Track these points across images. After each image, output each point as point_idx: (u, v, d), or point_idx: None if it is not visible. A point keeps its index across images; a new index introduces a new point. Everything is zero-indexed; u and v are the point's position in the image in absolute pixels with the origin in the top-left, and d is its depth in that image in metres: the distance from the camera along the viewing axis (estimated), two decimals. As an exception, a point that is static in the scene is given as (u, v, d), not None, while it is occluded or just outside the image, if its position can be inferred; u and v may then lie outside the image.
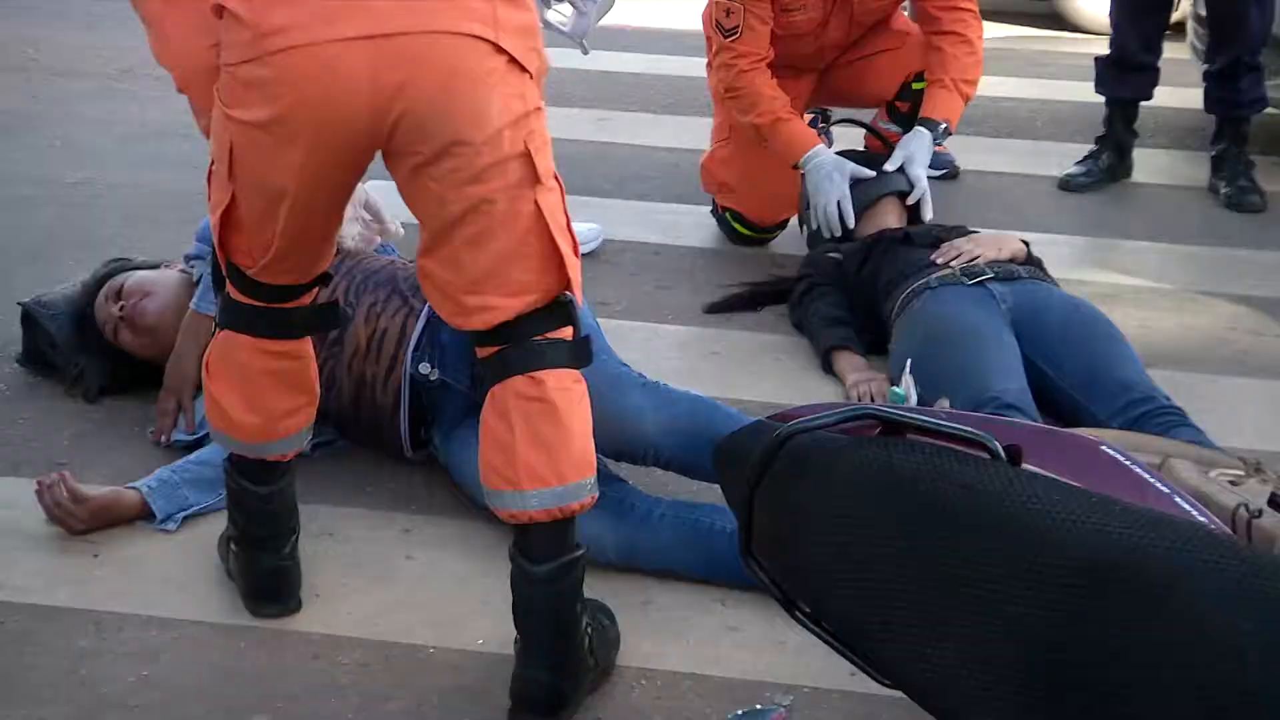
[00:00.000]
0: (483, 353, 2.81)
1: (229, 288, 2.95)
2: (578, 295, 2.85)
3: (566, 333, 2.81)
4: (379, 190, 3.49)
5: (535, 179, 2.74)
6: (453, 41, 2.66)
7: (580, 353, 2.84)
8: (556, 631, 2.80)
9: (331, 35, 2.58)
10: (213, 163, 2.84)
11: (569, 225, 2.83)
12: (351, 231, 3.24)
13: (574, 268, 2.84)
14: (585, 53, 4.65)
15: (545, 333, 2.78)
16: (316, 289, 3.02)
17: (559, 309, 2.81)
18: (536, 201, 2.74)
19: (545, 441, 2.73)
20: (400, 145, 2.69)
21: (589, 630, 2.88)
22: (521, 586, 2.80)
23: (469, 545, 2.98)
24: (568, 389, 2.78)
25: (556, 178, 2.83)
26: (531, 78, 2.76)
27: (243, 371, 2.99)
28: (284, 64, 2.60)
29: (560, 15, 4.48)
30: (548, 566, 2.77)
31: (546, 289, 2.79)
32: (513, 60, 2.70)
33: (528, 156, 2.72)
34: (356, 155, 2.72)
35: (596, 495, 2.83)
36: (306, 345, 3.05)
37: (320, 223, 2.87)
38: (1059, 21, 9.06)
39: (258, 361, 2.98)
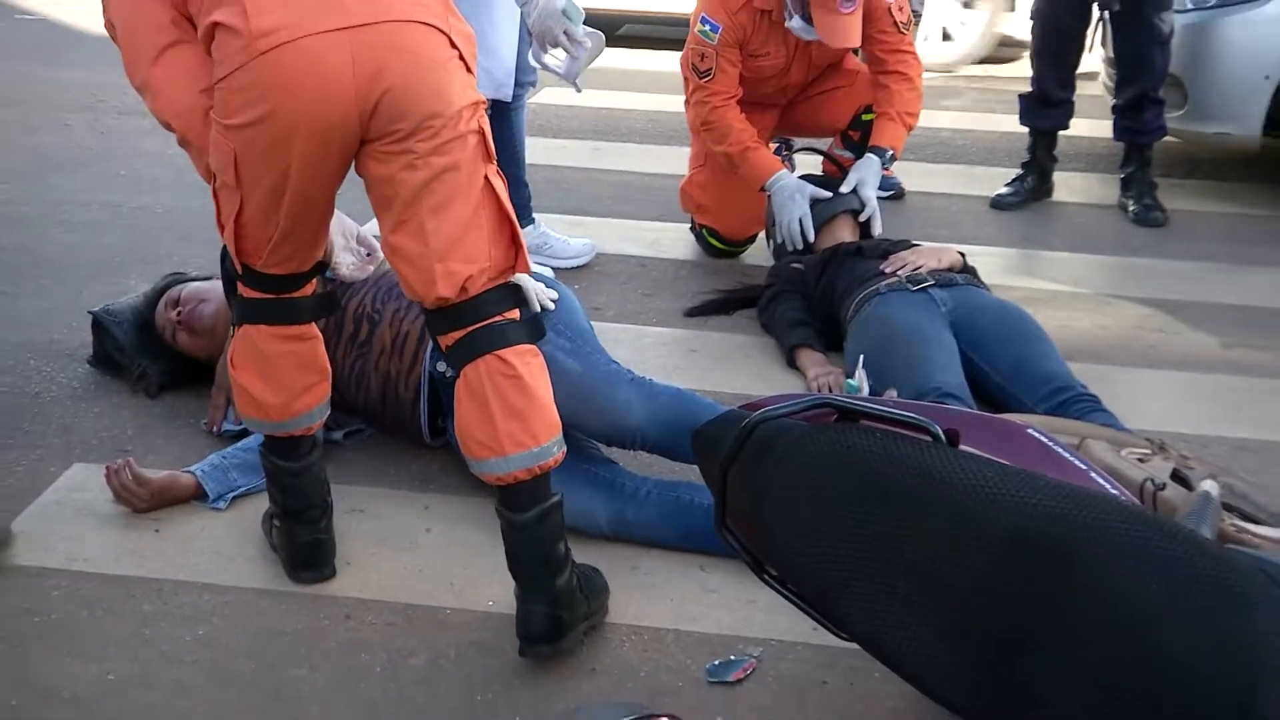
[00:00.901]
0: (449, 340, 2.82)
1: (241, 289, 2.99)
2: (527, 265, 2.88)
3: (517, 313, 2.82)
4: (371, 228, 3.48)
5: (489, 157, 2.79)
6: (415, 28, 2.71)
7: (535, 329, 2.87)
8: (546, 568, 2.84)
9: (313, 29, 2.62)
10: (216, 184, 2.87)
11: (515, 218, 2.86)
12: (346, 260, 3.25)
13: (524, 250, 2.87)
14: (578, 91, 4.63)
15: (503, 312, 2.79)
16: (315, 280, 3.05)
17: (512, 290, 2.83)
18: (488, 177, 2.78)
19: (519, 412, 2.77)
20: (381, 125, 2.71)
21: (575, 574, 2.90)
22: (511, 535, 2.84)
23: (481, 520, 2.97)
24: (529, 363, 2.82)
25: (500, 175, 2.86)
26: (473, 81, 2.81)
27: (261, 357, 3.02)
28: (275, 60, 2.62)
29: (555, 59, 4.46)
30: (531, 513, 2.81)
31: (501, 262, 2.81)
32: (462, 58, 2.77)
33: (482, 135, 2.78)
34: (346, 139, 2.73)
35: (565, 450, 2.86)
36: (314, 329, 3.08)
37: (316, 212, 2.91)
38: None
39: (273, 346, 3.01)
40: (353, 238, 3.34)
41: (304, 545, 3.22)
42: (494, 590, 2.96)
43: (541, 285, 3.18)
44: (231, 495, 3.50)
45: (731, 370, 4.33)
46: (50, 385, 4.11)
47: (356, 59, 2.65)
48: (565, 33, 4.25)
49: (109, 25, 2.98)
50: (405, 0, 2.73)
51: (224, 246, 3.02)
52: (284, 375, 3.05)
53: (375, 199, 2.84)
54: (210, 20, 2.69)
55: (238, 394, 3.11)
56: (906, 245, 4.50)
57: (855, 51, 5.19)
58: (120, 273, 4.82)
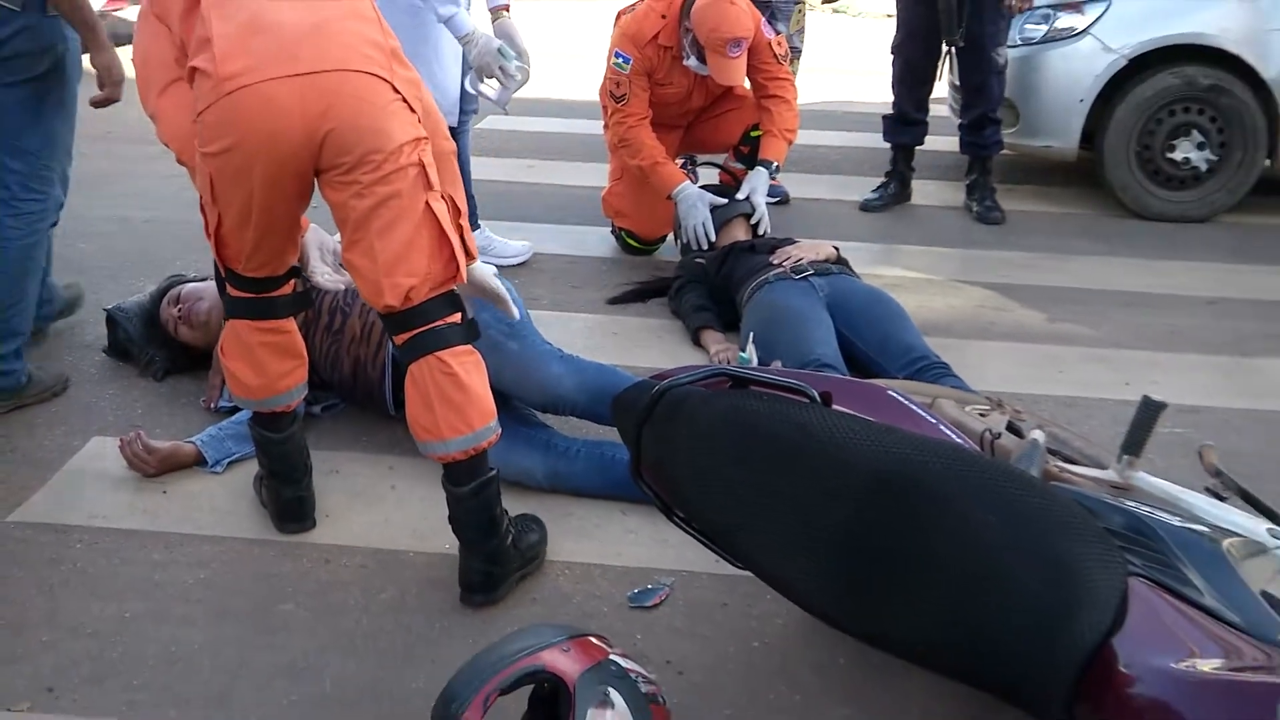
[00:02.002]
0: (399, 340, 2.83)
1: (228, 289, 3.00)
2: (464, 278, 2.88)
3: (458, 317, 2.83)
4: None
5: (428, 185, 2.79)
6: (360, 77, 2.73)
7: (470, 331, 2.88)
8: (482, 532, 2.88)
9: (268, 75, 2.65)
10: (201, 200, 2.89)
11: (461, 233, 2.86)
12: (320, 270, 3.24)
13: (464, 263, 2.86)
14: (506, 113, 4.67)
15: (443, 317, 2.80)
16: (292, 281, 3.05)
17: (452, 298, 2.84)
18: (428, 202, 2.79)
19: (456, 404, 2.79)
20: (329, 158, 2.73)
21: (510, 530, 2.94)
22: (453, 504, 2.88)
23: (438, 478, 2.94)
24: (465, 361, 2.83)
25: (450, 199, 2.86)
26: (419, 119, 2.80)
27: (246, 347, 3.03)
28: (238, 100, 2.65)
29: (489, 89, 4.50)
30: (469, 486, 2.84)
31: (441, 274, 2.81)
32: (405, 100, 2.78)
33: (422, 168, 2.78)
34: (299, 166, 2.75)
35: (499, 433, 2.88)
36: (291, 323, 3.10)
37: (281, 227, 2.92)
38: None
39: (256, 338, 3.03)
40: (329, 252, 3.33)
41: (288, 501, 3.22)
42: (449, 537, 2.93)
43: (508, 296, 3.19)
44: (227, 460, 3.49)
45: (646, 348, 4.32)
46: (72, 372, 4.06)
47: (305, 101, 2.67)
48: (500, 67, 4.29)
49: (133, 61, 3.04)
50: (353, 52, 2.75)
51: (214, 255, 3.03)
52: (266, 362, 3.06)
53: (335, 220, 2.85)
54: (191, 65, 2.74)
55: (228, 377, 3.13)
56: (790, 241, 4.51)
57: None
58: (130, 276, 4.77)
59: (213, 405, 3.79)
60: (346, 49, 2.75)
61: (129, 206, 5.52)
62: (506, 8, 4.69)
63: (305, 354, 3.16)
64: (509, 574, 2.94)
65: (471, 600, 2.91)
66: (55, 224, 3.98)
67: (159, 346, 4.00)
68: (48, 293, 4.27)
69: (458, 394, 2.80)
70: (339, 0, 2.84)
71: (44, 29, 3.63)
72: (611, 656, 2.26)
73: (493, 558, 2.90)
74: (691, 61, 4.87)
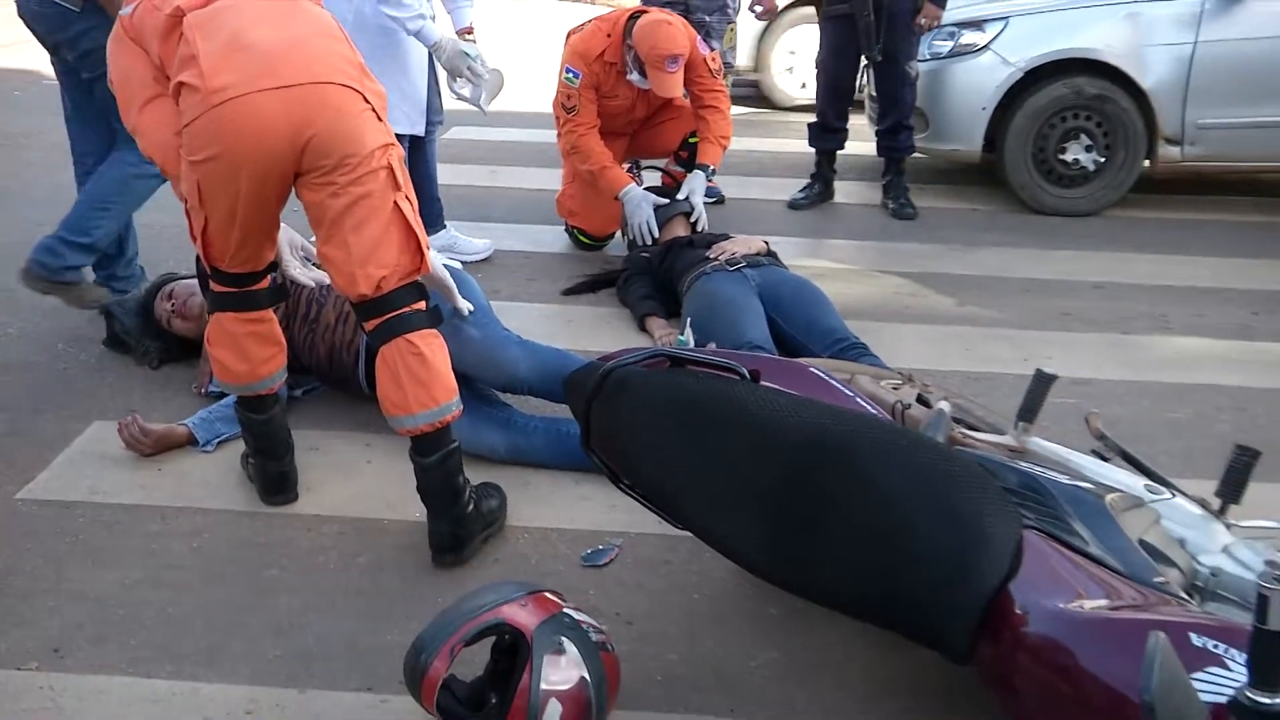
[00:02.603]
0: (370, 325, 2.84)
1: (212, 285, 3.00)
2: (429, 268, 2.92)
3: (423, 304, 2.84)
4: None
5: (396, 186, 2.82)
6: (336, 89, 2.74)
7: (435, 317, 2.91)
8: (448, 498, 2.89)
9: (255, 88, 2.66)
10: (187, 204, 2.88)
11: (421, 231, 2.89)
12: (294, 264, 3.24)
13: (427, 258, 2.90)
14: (485, 114, 4.67)
15: (410, 304, 2.82)
16: (269, 276, 3.04)
17: (417, 287, 2.85)
18: (396, 201, 2.80)
19: (422, 380, 2.80)
20: (310, 163, 2.74)
21: (472, 497, 2.94)
22: (421, 474, 2.89)
23: (408, 453, 2.94)
24: (430, 343, 2.85)
25: (410, 199, 2.87)
26: (385, 128, 2.85)
27: (231, 336, 3.02)
28: (226, 112, 2.65)
29: (462, 90, 4.52)
30: (434, 457, 2.85)
31: (408, 265, 2.84)
32: (374, 111, 2.80)
33: (391, 170, 2.80)
34: (282, 170, 2.76)
35: (461, 409, 2.89)
36: (271, 314, 3.09)
37: (263, 226, 2.92)
38: (766, 100, 9.09)
39: (239, 328, 3.02)
40: (298, 249, 3.32)
41: (273, 476, 3.20)
42: (420, 506, 2.93)
43: (454, 288, 3.22)
44: (217, 440, 3.46)
45: (597, 334, 4.31)
46: (74, 362, 4.03)
47: (289, 111, 2.68)
48: (469, 67, 4.31)
49: (111, 82, 3.02)
50: (329, 67, 2.76)
51: (197, 253, 3.02)
52: (248, 349, 3.05)
53: (310, 218, 2.86)
54: (177, 81, 2.73)
55: (214, 365, 3.11)
56: (726, 237, 4.51)
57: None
58: None
59: (202, 390, 3.75)
60: (323, 64, 2.76)
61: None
62: (470, 30, 4.71)
63: (284, 342, 3.14)
64: (473, 536, 2.94)
65: (441, 561, 2.91)
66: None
67: (153, 338, 3.96)
68: (126, 268, 4.42)
69: (424, 372, 2.81)
70: (308, 19, 2.85)
71: (108, 25, 3.61)
72: (565, 610, 2.27)
73: (458, 521, 2.90)
74: (634, 76, 4.87)
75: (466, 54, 4.44)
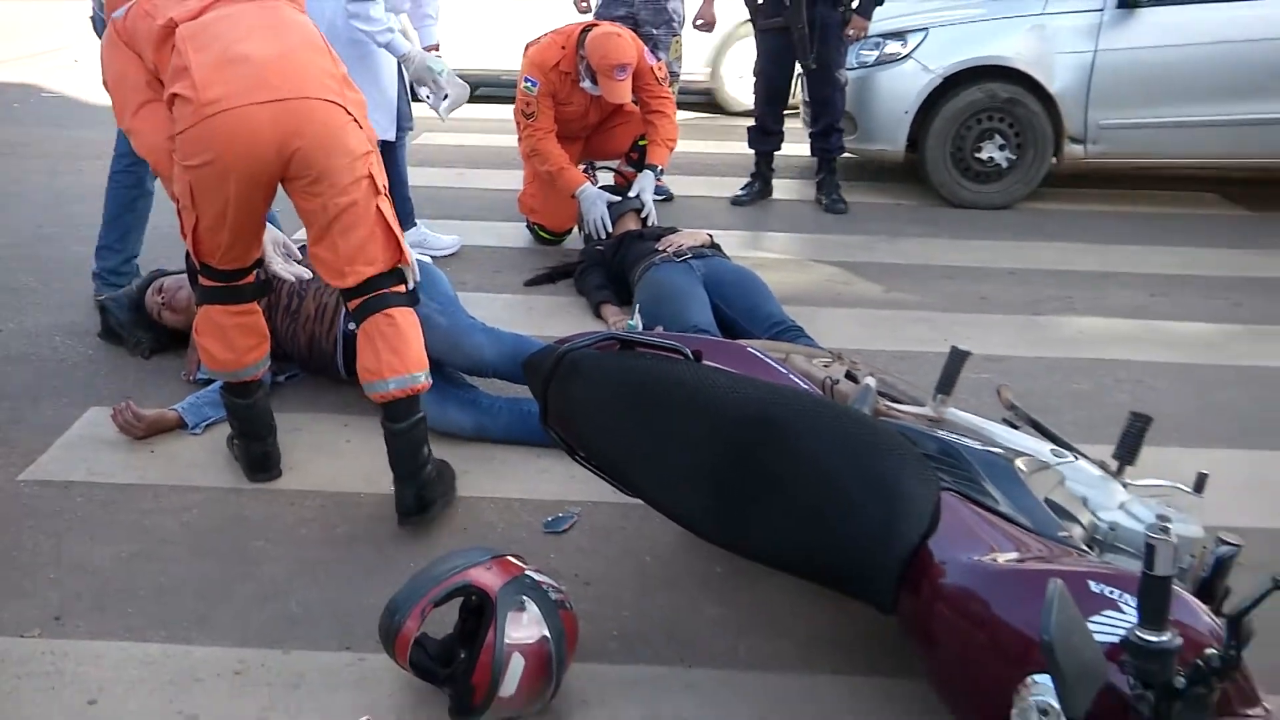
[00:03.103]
0: (353, 304, 2.86)
1: (201, 280, 2.97)
2: (409, 266, 2.94)
3: (402, 288, 2.88)
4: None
5: (377, 191, 2.82)
6: (321, 104, 2.74)
7: (412, 298, 2.93)
8: (414, 463, 2.91)
9: (246, 101, 2.65)
10: (179, 204, 2.86)
11: (398, 227, 2.93)
12: (277, 259, 3.22)
13: (406, 250, 2.92)
14: (443, 120, 4.65)
15: (390, 287, 2.85)
16: (255, 271, 3.03)
17: (397, 273, 2.88)
18: (378, 205, 2.83)
19: (396, 349, 2.84)
20: (296, 171, 2.75)
21: (434, 467, 2.97)
22: (390, 439, 2.90)
23: (382, 432, 2.94)
24: (406, 317, 2.89)
25: (388, 199, 2.90)
26: (365, 134, 2.86)
27: (217, 327, 3.00)
28: (218, 123, 2.64)
29: (425, 98, 4.53)
30: (404, 424, 2.88)
31: (389, 259, 2.87)
32: (355, 120, 2.81)
33: (372, 178, 2.82)
34: (269, 179, 2.78)
35: (430, 382, 2.92)
36: (255, 307, 3.07)
37: (251, 227, 2.93)
38: (721, 107, 9.12)
39: (226, 320, 3.00)
40: (280, 245, 3.30)
41: (257, 456, 3.18)
42: (390, 480, 2.93)
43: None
44: (204, 424, 3.42)
45: (556, 321, 4.29)
46: (71, 353, 3.97)
47: (277, 122, 2.67)
48: (433, 80, 4.37)
49: (105, 84, 2.99)
50: (316, 82, 2.75)
51: (187, 249, 2.99)
52: (233, 339, 3.03)
53: (303, 220, 2.87)
54: (170, 92, 2.71)
55: (202, 353, 3.08)
56: (673, 230, 4.51)
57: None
58: None
59: (191, 378, 3.71)
60: (310, 79, 2.75)
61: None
62: (436, 47, 4.70)
63: (268, 333, 3.12)
64: (436, 498, 2.94)
65: (408, 520, 2.90)
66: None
67: (145, 329, 3.91)
68: (125, 264, 4.38)
69: (398, 341, 2.84)
70: (294, 32, 2.83)
71: None
72: (526, 572, 2.27)
73: (423, 484, 2.90)
74: (587, 84, 4.86)
75: (432, 68, 4.43)
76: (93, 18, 4.08)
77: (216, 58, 2.67)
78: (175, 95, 2.69)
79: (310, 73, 2.76)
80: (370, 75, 4.44)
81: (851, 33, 5.81)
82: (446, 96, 4.47)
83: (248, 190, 2.76)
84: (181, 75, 2.67)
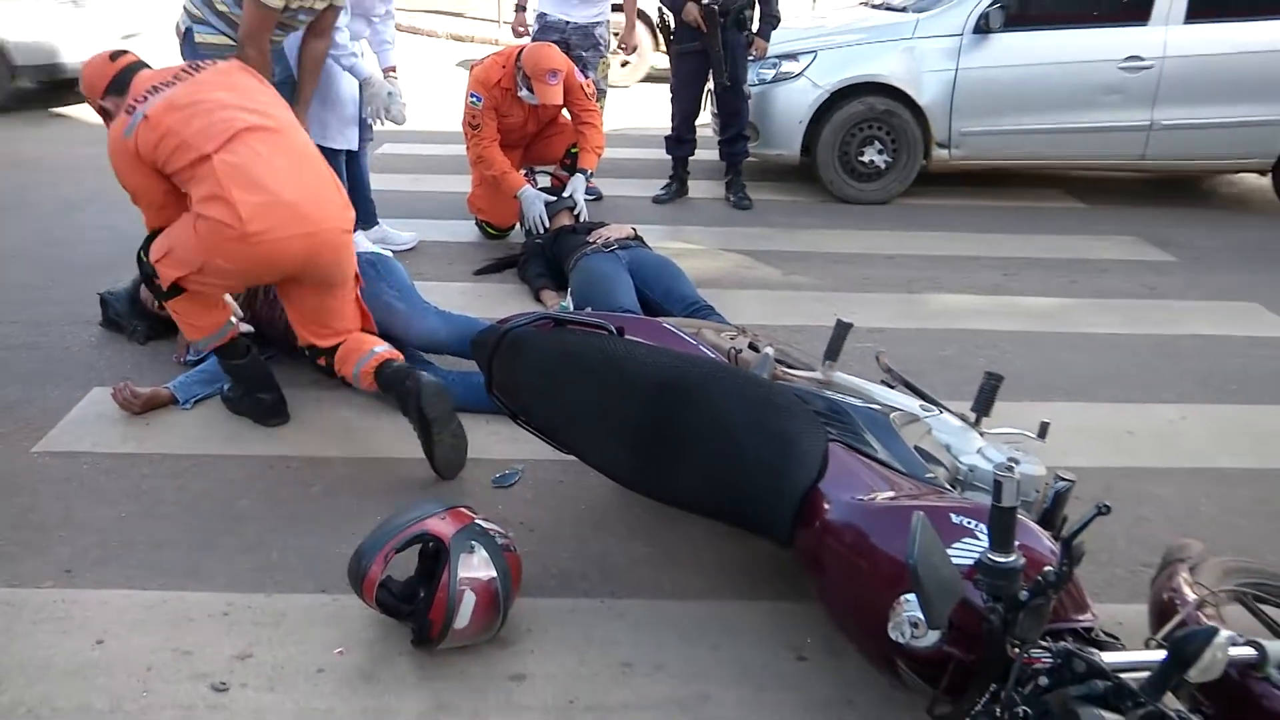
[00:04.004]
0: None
1: (160, 284, 3.01)
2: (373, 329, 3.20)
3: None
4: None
5: (358, 283, 3.13)
6: (340, 233, 2.96)
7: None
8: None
9: (285, 234, 2.81)
10: (170, 250, 2.93)
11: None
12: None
13: (369, 314, 3.18)
14: (400, 124, 4.60)
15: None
16: None
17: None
18: (357, 294, 3.12)
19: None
20: (308, 276, 2.97)
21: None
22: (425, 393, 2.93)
23: (356, 403, 2.93)
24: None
25: (359, 281, 3.16)
26: (355, 240, 3.12)
27: (186, 309, 3.06)
28: (260, 248, 2.79)
29: (375, 120, 4.52)
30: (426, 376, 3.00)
31: (359, 327, 3.15)
32: (349, 232, 3.02)
33: (357, 277, 3.11)
34: (279, 278, 3.03)
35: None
36: None
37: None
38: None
39: (188, 304, 3.05)
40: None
41: (269, 404, 3.22)
42: (363, 445, 2.93)
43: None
44: (194, 400, 3.35)
45: (502, 305, 4.24)
46: (76, 341, 3.86)
47: (306, 249, 2.86)
48: (387, 108, 4.40)
49: (123, 185, 3.03)
50: (337, 212, 2.95)
51: (140, 251, 3.07)
52: (201, 314, 3.05)
53: (294, 303, 3.08)
54: (207, 213, 2.77)
55: (184, 328, 3.12)
56: (602, 225, 4.48)
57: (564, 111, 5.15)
58: (119, 269, 4.48)
59: (181, 359, 3.63)
60: (331, 212, 2.92)
61: (117, 220, 5.21)
62: (393, 68, 4.62)
63: (223, 300, 3.14)
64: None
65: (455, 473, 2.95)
66: None
67: (141, 319, 3.81)
68: None
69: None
70: (312, 166, 2.95)
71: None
72: (476, 520, 2.26)
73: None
74: (524, 92, 4.79)
75: (392, 94, 4.41)
76: (186, 30, 3.80)
77: (260, 199, 2.75)
78: (204, 216, 2.77)
79: (330, 208, 2.92)
80: (334, 93, 4.36)
81: (755, 53, 5.81)
82: (388, 113, 4.45)
83: (253, 281, 3.09)
84: (217, 203, 2.75)
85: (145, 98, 2.86)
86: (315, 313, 3.04)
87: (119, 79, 3.02)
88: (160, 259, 2.94)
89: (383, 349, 3.05)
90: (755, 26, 5.77)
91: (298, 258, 2.85)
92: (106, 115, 3.09)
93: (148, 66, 3.09)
